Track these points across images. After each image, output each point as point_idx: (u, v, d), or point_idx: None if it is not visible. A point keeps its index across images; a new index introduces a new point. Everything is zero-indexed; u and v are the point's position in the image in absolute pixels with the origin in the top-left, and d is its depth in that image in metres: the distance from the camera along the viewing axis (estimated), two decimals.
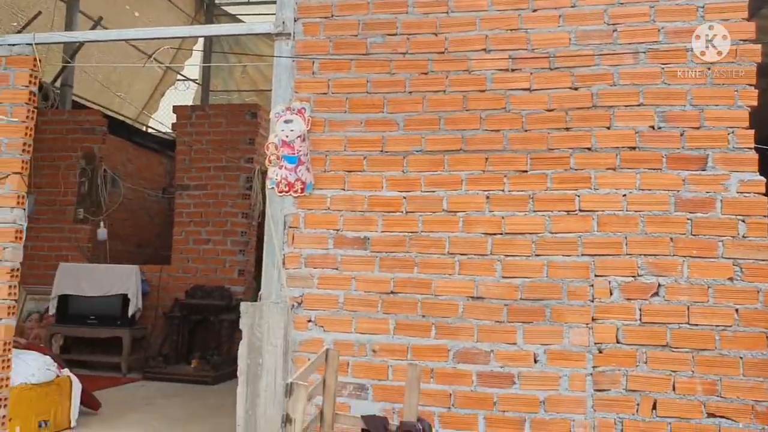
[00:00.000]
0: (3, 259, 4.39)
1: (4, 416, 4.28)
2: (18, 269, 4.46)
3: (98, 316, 7.32)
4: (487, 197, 3.71)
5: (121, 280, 7.32)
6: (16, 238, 4.44)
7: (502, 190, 3.70)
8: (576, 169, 3.65)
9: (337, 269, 3.84)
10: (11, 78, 4.55)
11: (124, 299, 7.27)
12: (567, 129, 3.68)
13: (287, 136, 3.98)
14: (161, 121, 11.80)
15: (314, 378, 3.28)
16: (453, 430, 3.57)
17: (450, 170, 3.76)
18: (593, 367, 3.49)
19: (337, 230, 3.87)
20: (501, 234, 3.66)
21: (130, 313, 7.26)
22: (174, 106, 8.80)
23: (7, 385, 4.34)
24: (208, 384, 6.80)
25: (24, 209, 4.53)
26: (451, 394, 3.60)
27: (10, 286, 4.39)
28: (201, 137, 8.25)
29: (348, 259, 3.83)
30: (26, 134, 4.52)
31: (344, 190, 3.89)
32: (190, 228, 8.16)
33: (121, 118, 10.75)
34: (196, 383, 6.80)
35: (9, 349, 4.38)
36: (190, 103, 10.83)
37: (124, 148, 9.86)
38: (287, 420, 2.85)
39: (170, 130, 11.05)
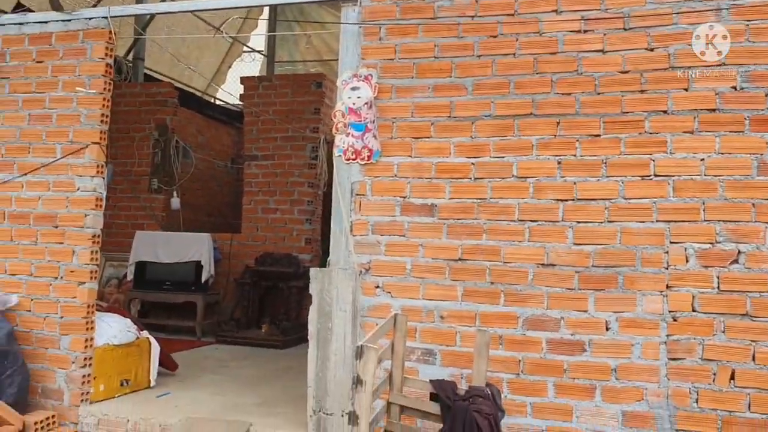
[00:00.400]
0: (85, 226, 4.60)
1: (89, 374, 4.52)
2: (99, 235, 4.67)
3: (173, 281, 7.60)
4: (559, 162, 3.63)
5: (194, 247, 7.56)
6: (96, 205, 4.63)
7: (574, 155, 3.62)
8: (651, 133, 3.52)
9: (404, 236, 3.86)
10: (88, 51, 4.71)
11: (198, 266, 7.51)
12: (642, 92, 3.56)
13: (354, 104, 3.99)
14: (229, 93, 12.02)
15: (383, 342, 3.33)
16: (522, 396, 3.56)
17: (520, 135, 3.70)
18: (667, 335, 3.40)
19: (404, 197, 3.88)
20: (572, 200, 3.59)
21: (203, 279, 7.49)
22: (241, 78, 8.93)
23: (91, 346, 4.57)
24: (277, 348, 6.98)
25: (103, 178, 4.72)
26: (520, 361, 3.59)
27: (91, 252, 4.60)
28: (267, 108, 8.36)
29: (415, 226, 3.84)
30: (103, 105, 4.68)
31: (411, 156, 3.88)
32: (259, 197, 8.33)
33: (191, 90, 11.00)
34: (266, 347, 7.00)
35: (92, 312, 4.61)
36: (256, 74, 10.95)
37: (194, 119, 10.11)
38: (358, 381, 2.90)
39: (237, 102, 11.26)
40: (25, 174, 4.76)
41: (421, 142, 3.87)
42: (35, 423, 4.17)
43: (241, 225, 8.47)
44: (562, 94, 3.67)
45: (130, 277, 7.72)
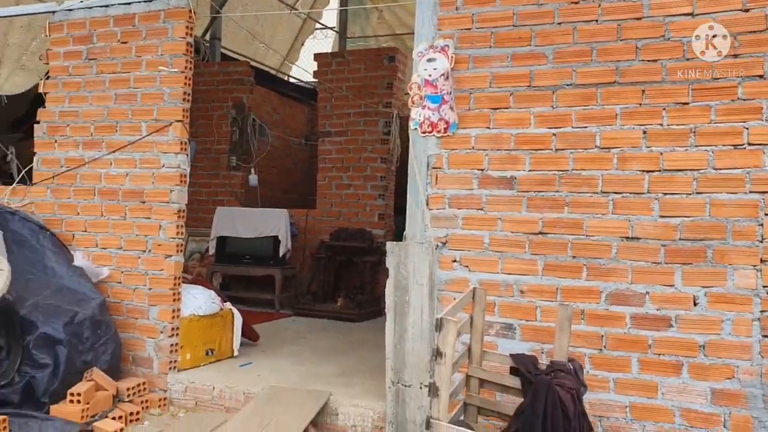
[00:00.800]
0: (170, 201, 4.77)
1: (176, 344, 4.71)
2: (183, 210, 4.83)
3: (252, 256, 7.81)
4: (644, 132, 3.49)
5: (272, 222, 7.73)
6: (180, 181, 4.79)
7: (661, 124, 3.47)
8: (744, 99, 3.34)
9: (482, 210, 3.81)
10: (170, 30, 4.83)
11: (275, 240, 7.68)
12: (735, 56, 3.36)
13: (430, 75, 3.95)
14: (302, 70, 12.13)
15: (461, 316, 3.32)
16: (604, 371, 3.49)
17: (603, 104, 3.57)
18: (761, 311, 3.25)
19: (482, 170, 3.83)
20: (659, 171, 3.45)
21: (280, 253, 7.66)
22: (315, 54, 8.99)
23: (178, 316, 4.76)
24: (353, 321, 7.08)
25: (187, 155, 4.86)
26: (602, 336, 3.51)
27: (177, 226, 4.76)
28: (341, 84, 8.40)
29: (494, 199, 3.79)
30: (185, 83, 4.81)
31: (489, 128, 3.82)
32: (332, 173, 8.41)
33: (265, 68, 11.16)
34: (342, 320, 7.11)
35: (178, 284, 4.79)
36: (328, 51, 11.00)
37: (269, 97, 10.28)
38: (438, 353, 2.91)
39: (311, 79, 11.36)
40: (113, 152, 4.96)
41: (499, 113, 3.80)
42: (128, 389, 4.39)
43: (316, 201, 8.59)
44: (648, 60, 3.51)
45: (211, 251, 7.97)
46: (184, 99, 4.80)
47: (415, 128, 3.98)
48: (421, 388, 3.73)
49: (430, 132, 3.94)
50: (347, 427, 4.03)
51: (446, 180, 3.90)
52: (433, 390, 2.93)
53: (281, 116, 10.67)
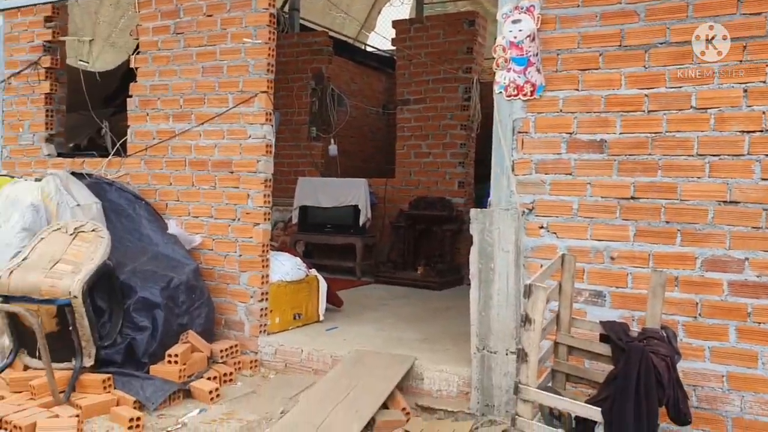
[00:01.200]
0: (257, 171, 4.89)
1: (265, 308, 4.87)
2: (270, 180, 4.94)
3: (333, 224, 7.94)
4: (745, 91, 3.31)
5: (351, 192, 7.82)
6: (266, 151, 4.90)
7: (763, 82, 3.27)
8: None
9: (570, 174, 3.73)
10: (253, 2, 4.90)
11: (355, 210, 7.77)
12: None
13: (515, 37, 3.86)
14: (378, 38, 12.10)
15: (549, 283, 3.27)
16: (699, 340, 3.38)
17: (699, 63, 3.40)
18: None
19: (571, 133, 3.73)
20: (761, 131, 3.27)
21: (360, 222, 7.75)
22: (393, 21, 8.92)
23: (266, 282, 4.91)
24: (433, 289, 7.11)
25: (272, 125, 4.96)
26: (697, 303, 3.39)
27: (264, 195, 4.89)
28: (419, 50, 8.32)
29: (582, 163, 3.69)
30: (269, 54, 4.88)
31: (578, 90, 3.70)
32: (411, 142, 8.39)
33: (343, 38, 11.19)
34: (422, 288, 7.16)
35: (267, 251, 4.93)
36: (406, 17, 10.90)
37: (346, 67, 10.32)
38: (526, 320, 2.89)
39: (388, 47, 11.31)
40: (202, 123, 5.12)
41: (588, 74, 3.68)
42: (221, 351, 4.58)
43: (395, 170, 8.61)
44: (750, 14, 3.31)
45: (294, 220, 8.16)
46: (268, 70, 4.88)
47: (500, 92, 3.92)
48: (507, 354, 3.72)
49: (515, 95, 3.86)
50: (432, 391, 4.07)
51: (533, 144, 3.83)
52: (521, 356, 2.92)
53: (359, 86, 10.70)
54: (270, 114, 4.93)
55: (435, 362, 4.19)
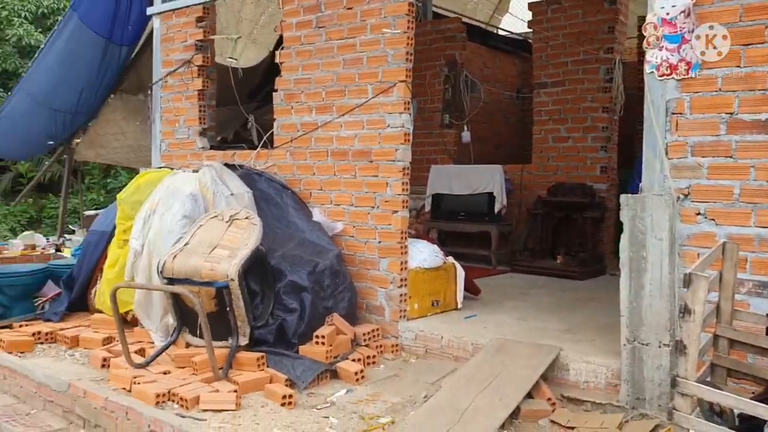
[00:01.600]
0: (395, 159, 4.96)
1: (405, 294, 4.95)
2: (408, 168, 5.00)
3: (467, 212, 7.90)
4: None
5: (486, 179, 7.74)
6: (404, 140, 4.96)
7: None
8: None
9: (731, 157, 3.48)
10: None
11: (490, 197, 7.69)
12: None
13: (668, 14, 3.64)
14: (512, 21, 11.86)
15: (709, 273, 3.08)
16: None
17: None
18: None
19: (731, 113, 3.47)
20: None
21: (496, 209, 7.66)
22: (529, 3, 8.69)
23: (405, 268, 4.99)
24: (573, 279, 6.90)
25: (410, 114, 5.02)
26: None
27: (402, 183, 4.96)
28: (557, 32, 8.06)
29: (745, 145, 3.43)
30: (407, 44, 4.93)
31: (740, 66, 3.44)
32: (549, 126, 8.16)
33: (474, 23, 11.07)
34: (562, 277, 6.96)
35: (405, 237, 5.01)
36: None
37: (479, 52, 10.21)
38: (686, 310, 2.74)
39: (522, 31, 11.07)
40: (343, 115, 5.27)
41: (752, 49, 3.40)
42: (363, 334, 4.72)
43: (531, 155, 8.42)
44: None
45: (427, 208, 8.21)
46: (406, 59, 4.93)
47: (651, 71, 3.71)
48: (660, 347, 3.55)
49: (668, 75, 3.65)
50: (579, 382, 3.97)
51: (688, 126, 3.61)
52: (679, 348, 2.78)
53: (491, 70, 10.55)
54: (408, 103, 4.98)
55: (581, 353, 4.08)
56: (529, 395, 3.79)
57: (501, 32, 12.18)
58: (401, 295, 4.92)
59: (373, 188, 5.08)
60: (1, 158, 14.65)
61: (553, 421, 3.63)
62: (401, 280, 4.93)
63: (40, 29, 14.67)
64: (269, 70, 7.36)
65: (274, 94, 5.80)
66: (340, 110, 5.28)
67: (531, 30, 8.68)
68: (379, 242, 5.03)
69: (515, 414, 3.64)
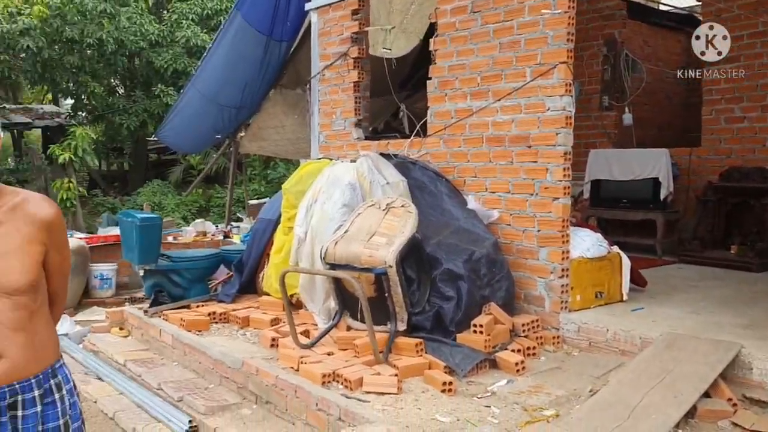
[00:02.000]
0: (556, 144, 4.79)
1: (566, 284, 4.78)
2: (569, 153, 4.81)
3: (629, 199, 7.50)
4: None
5: (649, 163, 7.29)
6: (566, 123, 4.77)
7: None
8: None
9: None
10: None
11: (655, 183, 7.24)
12: None
13: None
14: None
15: None
16: None
17: None
18: None
19: None
20: None
21: (661, 196, 7.19)
22: None
23: (567, 258, 4.81)
24: (750, 270, 6.32)
25: (571, 96, 4.82)
26: None
27: (563, 169, 4.78)
28: (731, 3, 7.39)
29: None
30: (569, 24, 4.74)
31: None
32: (721, 106, 7.53)
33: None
34: (738, 269, 6.41)
35: (566, 226, 4.83)
36: None
37: (639, 30, 9.60)
38: None
39: (687, 4, 10.29)
40: (499, 99, 5.16)
41: None
42: (522, 324, 4.61)
43: (700, 138, 7.81)
44: None
45: (585, 195, 7.88)
46: (567, 40, 4.74)
47: None
48: None
49: None
50: (764, 383, 3.63)
51: None
52: None
53: (652, 48, 9.89)
54: (569, 85, 4.79)
55: (766, 351, 3.72)
56: (706, 394, 3.52)
57: (663, 8, 11.37)
58: (562, 285, 4.75)
59: (532, 174, 4.94)
60: (174, 151, 15.98)
61: (734, 423, 3.36)
62: (562, 270, 4.76)
63: (205, 30, 15.74)
64: (418, 59, 7.37)
65: (427, 81, 5.80)
66: (496, 95, 5.18)
67: (699, 3, 8.03)
68: (539, 231, 4.88)
69: (691, 413, 3.40)
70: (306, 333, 4.79)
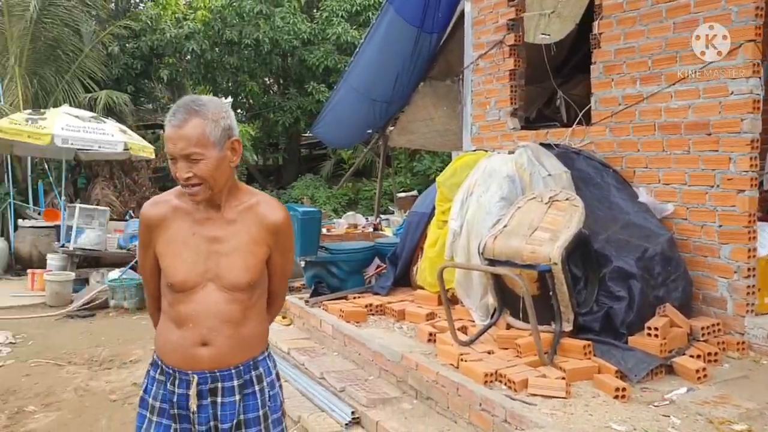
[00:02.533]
0: (741, 131, 4.35)
1: (753, 285, 4.33)
2: (757, 140, 4.35)
3: None
4: None
5: None
6: (753, 108, 4.31)
7: None
8: None
9: None
10: None
11: None
12: None
13: None
14: None
15: None
16: None
17: None
18: None
19: None
20: None
21: None
22: None
23: (754, 256, 4.35)
24: None
25: (759, 78, 4.34)
26: None
27: (750, 158, 4.32)
28: None
29: None
30: None
31: None
32: None
33: None
34: None
35: (753, 221, 4.37)
36: None
37: None
38: None
39: None
40: (673, 84, 4.77)
41: None
42: (702, 328, 4.24)
43: None
44: None
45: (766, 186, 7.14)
46: (756, 15, 4.27)
47: None
48: None
49: None
50: None
51: None
52: None
53: None
54: (758, 65, 4.31)
55: None
56: None
57: None
58: (748, 286, 4.30)
59: (712, 164, 4.52)
60: (325, 146, 16.51)
61: None
62: (748, 269, 4.31)
63: (354, 26, 16.07)
64: (575, 42, 7.02)
65: (591, 66, 5.49)
66: (670, 79, 4.79)
67: None
68: (720, 226, 4.46)
69: None
70: (463, 329, 4.70)
